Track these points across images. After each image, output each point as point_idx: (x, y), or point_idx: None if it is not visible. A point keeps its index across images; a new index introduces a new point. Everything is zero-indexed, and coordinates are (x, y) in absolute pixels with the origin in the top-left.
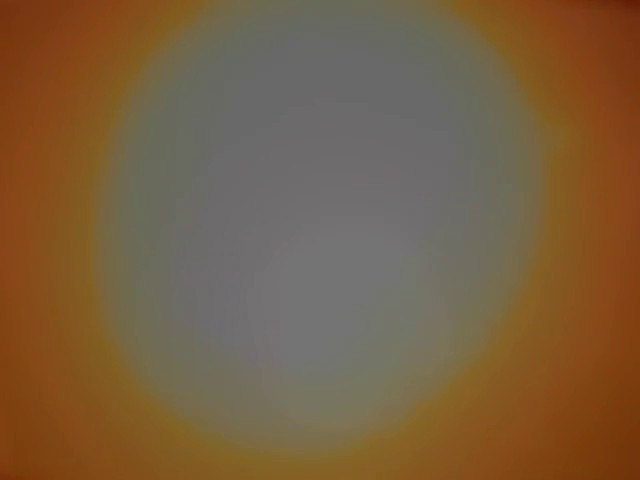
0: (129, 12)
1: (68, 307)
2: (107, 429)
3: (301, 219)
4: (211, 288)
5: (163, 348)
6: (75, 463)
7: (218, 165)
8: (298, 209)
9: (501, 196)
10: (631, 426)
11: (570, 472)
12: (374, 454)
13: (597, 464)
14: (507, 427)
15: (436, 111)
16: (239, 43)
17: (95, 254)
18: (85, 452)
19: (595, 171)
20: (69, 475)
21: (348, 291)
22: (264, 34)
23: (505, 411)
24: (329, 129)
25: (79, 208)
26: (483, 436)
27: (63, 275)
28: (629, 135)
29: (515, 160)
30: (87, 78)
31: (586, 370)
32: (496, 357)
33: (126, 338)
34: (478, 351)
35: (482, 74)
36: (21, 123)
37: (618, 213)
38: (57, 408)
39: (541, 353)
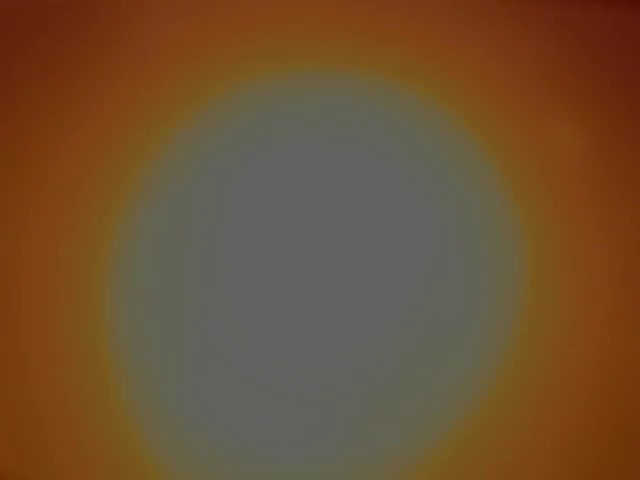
0: (132, 105)
1: (73, 311)
2: (106, 432)
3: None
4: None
5: (163, 360)
6: (74, 464)
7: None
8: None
9: (502, 204)
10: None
11: None
12: None
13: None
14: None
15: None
16: (240, 136)
17: (105, 265)
18: (84, 454)
19: (597, 175)
20: (67, 476)
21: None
22: (264, 129)
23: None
24: (319, 201)
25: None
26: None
27: (70, 282)
28: (632, 138)
29: (517, 164)
30: (89, 172)
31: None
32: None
33: (127, 348)
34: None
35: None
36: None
37: (619, 217)
38: (58, 410)
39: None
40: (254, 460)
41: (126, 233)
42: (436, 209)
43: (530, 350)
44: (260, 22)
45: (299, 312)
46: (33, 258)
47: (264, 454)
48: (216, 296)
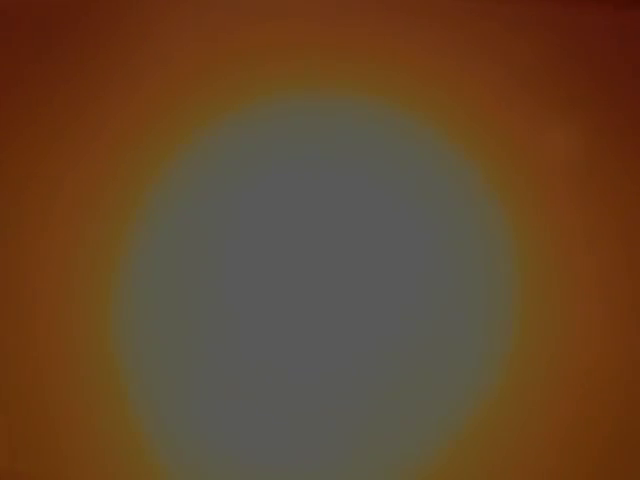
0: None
1: (78, 313)
2: (107, 433)
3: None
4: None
5: (167, 364)
6: (74, 465)
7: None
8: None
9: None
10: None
11: None
12: None
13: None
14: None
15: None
16: (241, 159)
17: (113, 270)
18: (84, 454)
19: (589, 177)
20: (68, 476)
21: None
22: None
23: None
24: (314, 201)
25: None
26: None
27: (77, 284)
28: (624, 139)
29: (516, 164)
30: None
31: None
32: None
33: (132, 350)
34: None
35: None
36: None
37: (619, 220)
38: (59, 411)
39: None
40: (255, 466)
41: (134, 241)
42: (432, 216)
43: (529, 354)
44: (267, 43)
45: (302, 321)
46: (40, 262)
47: (266, 460)
48: (220, 303)
